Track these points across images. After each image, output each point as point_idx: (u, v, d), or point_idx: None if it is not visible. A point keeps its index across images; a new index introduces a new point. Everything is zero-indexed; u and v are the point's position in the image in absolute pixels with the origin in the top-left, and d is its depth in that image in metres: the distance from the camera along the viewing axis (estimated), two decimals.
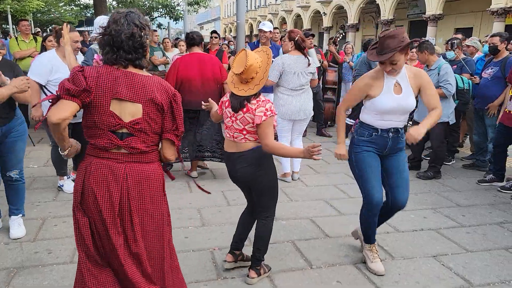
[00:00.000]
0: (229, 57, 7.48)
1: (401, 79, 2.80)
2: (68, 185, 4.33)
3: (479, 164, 5.59)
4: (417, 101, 3.45)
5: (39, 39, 6.78)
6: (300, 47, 4.63)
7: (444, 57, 5.82)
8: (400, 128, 2.88)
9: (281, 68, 4.55)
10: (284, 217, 3.86)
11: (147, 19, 2.01)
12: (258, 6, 51.45)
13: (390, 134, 2.85)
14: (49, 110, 1.84)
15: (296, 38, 4.60)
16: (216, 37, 7.28)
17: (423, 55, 5.05)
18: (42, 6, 22.82)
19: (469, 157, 6.06)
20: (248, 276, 2.79)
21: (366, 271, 2.97)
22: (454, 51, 5.76)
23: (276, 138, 3.16)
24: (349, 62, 8.26)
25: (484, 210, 4.19)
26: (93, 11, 12.92)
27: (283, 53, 4.87)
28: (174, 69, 4.62)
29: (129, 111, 1.90)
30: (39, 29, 19.45)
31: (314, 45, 7.01)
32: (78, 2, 23.85)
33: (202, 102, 2.92)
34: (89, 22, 24.05)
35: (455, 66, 5.62)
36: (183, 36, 23.47)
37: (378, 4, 26.33)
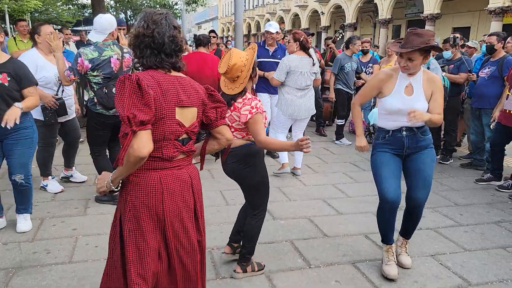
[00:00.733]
0: None
1: (415, 81, 2.80)
2: (53, 185, 4.33)
3: (476, 164, 5.60)
4: None
5: None
6: (305, 48, 4.76)
7: (441, 56, 5.83)
8: (415, 127, 2.83)
9: (288, 69, 4.68)
10: (282, 216, 3.87)
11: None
12: (256, 5, 51.44)
13: (404, 133, 2.83)
14: (129, 145, 1.68)
15: (301, 38, 4.72)
16: (214, 37, 7.31)
17: None
18: (40, 5, 22.72)
19: (466, 156, 6.08)
20: (234, 270, 2.83)
21: (364, 271, 2.98)
22: (455, 46, 5.71)
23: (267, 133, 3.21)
24: None
25: (482, 209, 4.20)
26: (90, 10, 12.90)
27: (289, 54, 4.95)
28: None
29: (189, 116, 1.86)
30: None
31: (312, 46, 7.06)
32: (76, 1, 23.77)
33: None
34: (87, 21, 23.98)
35: (452, 66, 5.64)
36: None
37: (376, 3, 26.34)
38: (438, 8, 21.64)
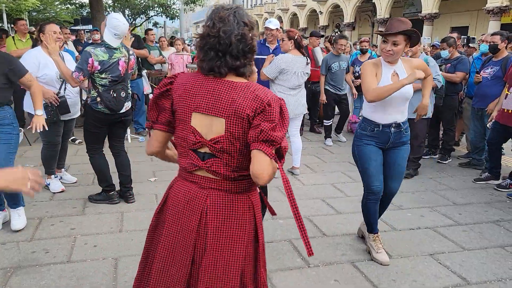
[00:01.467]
0: None
1: (398, 69, 2.96)
2: (55, 183, 4.31)
3: (475, 163, 5.61)
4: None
5: None
6: (300, 46, 4.69)
7: (439, 56, 5.84)
8: (402, 122, 3.00)
9: (282, 69, 4.62)
10: (281, 216, 3.86)
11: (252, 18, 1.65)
12: (254, 5, 51.45)
13: (392, 129, 2.98)
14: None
15: (296, 37, 4.65)
16: None
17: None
18: (38, 5, 22.65)
19: (465, 155, 6.09)
20: None
21: (363, 270, 2.98)
22: (453, 46, 5.70)
23: None
24: None
25: (480, 209, 4.21)
26: (89, 9, 12.86)
27: (284, 52, 4.91)
28: None
29: (211, 127, 1.56)
30: (34, 28, 19.32)
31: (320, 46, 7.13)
32: (74, 0, 23.71)
33: None
34: (85, 20, 23.90)
35: (449, 65, 5.64)
36: (179, 35, 23.38)
37: (374, 3, 26.38)
38: (436, 7, 21.70)
